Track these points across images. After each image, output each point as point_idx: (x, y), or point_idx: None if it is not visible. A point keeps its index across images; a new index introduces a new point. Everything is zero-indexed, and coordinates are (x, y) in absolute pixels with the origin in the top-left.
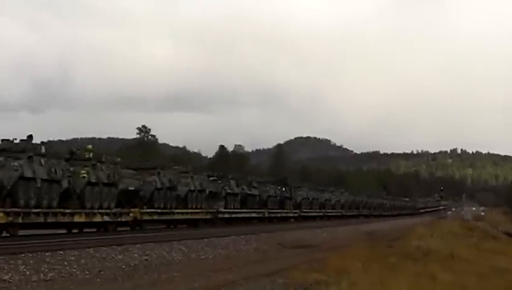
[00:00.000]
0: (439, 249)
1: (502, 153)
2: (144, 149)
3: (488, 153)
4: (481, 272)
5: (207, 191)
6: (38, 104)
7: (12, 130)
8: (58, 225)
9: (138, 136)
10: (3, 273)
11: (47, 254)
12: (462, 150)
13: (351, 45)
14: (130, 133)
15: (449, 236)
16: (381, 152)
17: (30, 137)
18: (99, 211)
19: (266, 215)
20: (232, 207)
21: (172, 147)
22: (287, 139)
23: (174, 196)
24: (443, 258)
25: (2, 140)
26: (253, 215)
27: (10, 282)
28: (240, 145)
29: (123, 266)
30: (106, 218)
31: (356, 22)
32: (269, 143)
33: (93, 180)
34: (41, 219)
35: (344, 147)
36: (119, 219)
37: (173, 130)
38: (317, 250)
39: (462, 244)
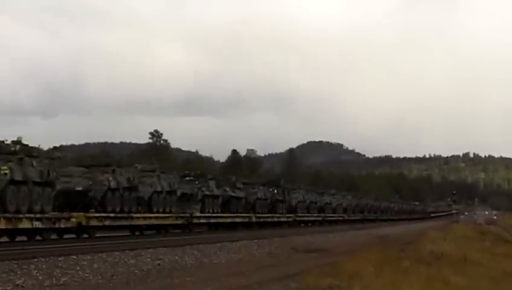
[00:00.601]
0: (452, 253)
1: None
2: (156, 154)
3: (501, 156)
4: (494, 276)
5: (178, 193)
6: (50, 108)
7: (24, 135)
8: None
9: (150, 140)
10: (16, 278)
11: (60, 258)
12: (474, 153)
13: (362, 48)
14: (143, 138)
15: (462, 240)
16: (394, 156)
17: None
18: (28, 215)
19: (253, 220)
20: (211, 211)
21: (184, 151)
22: (300, 143)
23: (134, 198)
24: (456, 262)
25: None
26: (237, 220)
27: (23, 287)
28: (252, 150)
29: (136, 271)
30: (38, 224)
31: (367, 26)
32: (282, 147)
33: (18, 178)
34: None
35: (356, 151)
36: (56, 225)
37: (185, 135)
38: (330, 254)
39: (474, 248)
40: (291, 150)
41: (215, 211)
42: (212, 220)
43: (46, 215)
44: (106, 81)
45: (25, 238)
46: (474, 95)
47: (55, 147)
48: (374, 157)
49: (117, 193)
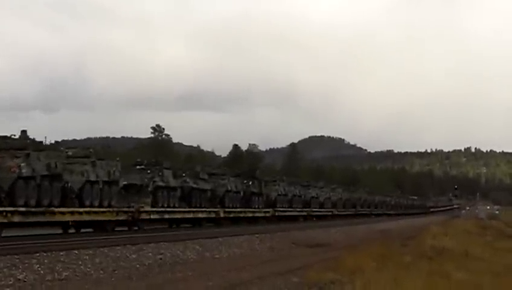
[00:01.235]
0: (453, 248)
1: None
2: (158, 148)
3: (502, 151)
4: (496, 270)
5: (121, 184)
6: (52, 104)
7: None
8: None
9: (152, 135)
10: (17, 273)
11: (61, 253)
12: (476, 148)
13: (364, 44)
14: (144, 133)
15: (463, 235)
16: (395, 151)
17: None
18: None
19: (222, 215)
20: (166, 205)
21: (186, 146)
22: (301, 138)
23: (58, 189)
24: (458, 257)
25: None
26: (201, 215)
27: (25, 281)
28: (254, 145)
29: (137, 265)
30: None
31: (370, 22)
32: (283, 142)
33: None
34: None
35: (358, 146)
36: None
37: (187, 130)
38: (331, 249)
39: (476, 243)
40: (292, 144)
41: (172, 205)
42: (167, 216)
43: None
44: (108, 76)
45: None
46: (475, 90)
47: (56, 142)
48: (375, 152)
49: (32, 182)
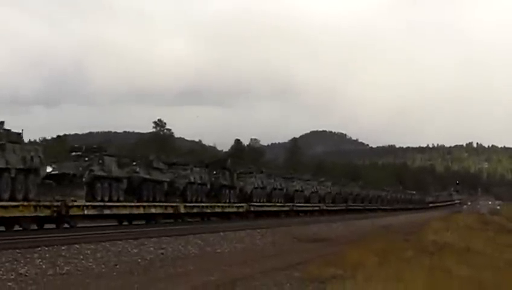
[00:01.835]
0: (455, 243)
1: None
2: (160, 143)
3: (504, 146)
4: (497, 266)
5: (43, 173)
6: (53, 98)
7: (27, 124)
8: None
9: (154, 130)
10: (19, 267)
11: (63, 247)
12: (477, 143)
13: (366, 38)
14: (146, 127)
15: (465, 230)
16: (397, 146)
17: None
18: None
19: (182, 210)
20: (107, 198)
21: (188, 140)
22: (303, 133)
23: None
24: (459, 252)
25: None
26: (154, 210)
27: (27, 276)
28: (255, 139)
29: (139, 260)
30: None
31: (371, 16)
32: (285, 137)
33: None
34: None
35: (360, 140)
36: None
37: (189, 124)
38: (333, 244)
39: (478, 238)
40: (294, 139)
41: (116, 198)
42: (108, 211)
43: None
44: (110, 71)
45: None
46: (477, 85)
47: (58, 137)
48: (377, 147)
49: None
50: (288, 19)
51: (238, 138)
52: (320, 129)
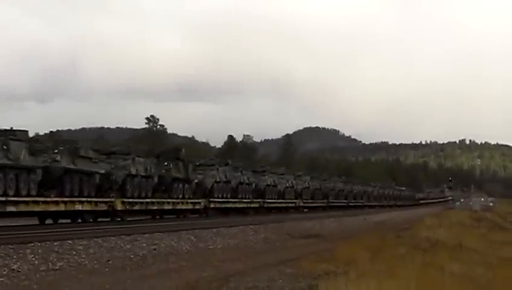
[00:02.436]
0: (447, 239)
1: (511, 144)
2: (153, 139)
3: (497, 143)
4: (489, 262)
5: None
6: (46, 94)
7: (20, 119)
8: None
9: (147, 126)
10: (12, 263)
11: (55, 243)
12: (470, 140)
13: (360, 36)
14: (139, 123)
15: (458, 227)
16: (390, 143)
17: None
18: None
19: (119, 207)
20: (13, 192)
21: (180, 136)
22: (296, 129)
23: None
24: (451, 249)
25: None
26: (79, 207)
27: (19, 271)
28: (248, 136)
29: (131, 256)
30: None
31: (365, 14)
32: (278, 133)
33: None
34: None
35: (353, 137)
36: None
37: (182, 120)
38: (326, 240)
39: (470, 235)
40: (287, 136)
41: (26, 192)
42: (11, 208)
43: None
44: (103, 67)
45: None
46: (470, 82)
47: (51, 132)
48: (370, 143)
49: None
50: (282, 15)
51: (231, 134)
52: (314, 126)
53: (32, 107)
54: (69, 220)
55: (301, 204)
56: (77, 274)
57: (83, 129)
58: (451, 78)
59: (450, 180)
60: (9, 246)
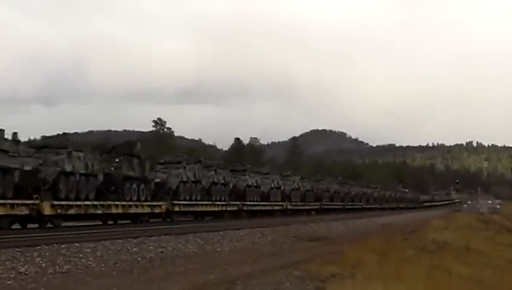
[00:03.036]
0: (454, 242)
1: None
2: (160, 142)
3: (504, 145)
4: (497, 265)
5: None
6: (52, 97)
7: (26, 123)
8: None
9: (154, 128)
10: (19, 266)
11: (63, 246)
12: (477, 142)
13: (362, 38)
14: (146, 126)
15: (465, 229)
16: (397, 145)
17: None
18: None
19: (47, 211)
20: None
21: (188, 139)
22: (303, 131)
23: None
24: (459, 251)
25: None
26: None
27: (26, 274)
28: (255, 138)
29: (139, 259)
30: None
31: (370, 15)
32: (285, 136)
33: None
34: None
35: (360, 139)
36: None
37: (189, 123)
38: (333, 243)
39: (477, 237)
40: (294, 138)
41: None
42: None
43: None
44: (109, 70)
45: None
46: (477, 84)
47: (58, 135)
48: (377, 146)
49: None
50: (285, 18)
51: (238, 136)
52: (320, 128)
53: (39, 110)
54: None
55: (289, 207)
56: (84, 277)
57: (90, 132)
58: (459, 80)
59: (457, 183)
60: (17, 249)
